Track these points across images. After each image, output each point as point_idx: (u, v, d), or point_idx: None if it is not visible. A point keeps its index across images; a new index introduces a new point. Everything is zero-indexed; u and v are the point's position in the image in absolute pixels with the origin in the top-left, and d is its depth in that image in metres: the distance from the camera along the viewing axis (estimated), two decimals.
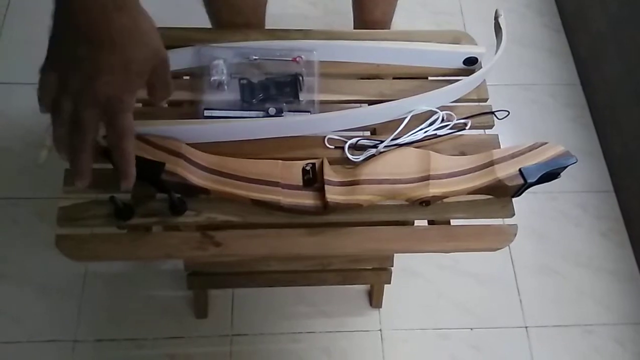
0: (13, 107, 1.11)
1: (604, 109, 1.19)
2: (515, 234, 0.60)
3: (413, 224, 0.64)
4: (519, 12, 1.35)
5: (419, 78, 0.70)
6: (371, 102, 0.68)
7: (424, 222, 0.63)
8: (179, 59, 0.66)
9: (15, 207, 1.02)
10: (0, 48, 1.19)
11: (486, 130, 0.68)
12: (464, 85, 0.67)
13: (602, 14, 1.19)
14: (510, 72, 1.25)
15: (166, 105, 0.67)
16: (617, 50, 1.13)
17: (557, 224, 1.09)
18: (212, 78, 0.65)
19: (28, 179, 1.04)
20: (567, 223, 1.09)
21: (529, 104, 1.22)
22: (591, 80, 1.23)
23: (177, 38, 0.68)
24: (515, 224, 0.61)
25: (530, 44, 1.30)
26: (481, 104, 0.69)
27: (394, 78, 0.71)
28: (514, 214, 0.61)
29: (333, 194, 0.57)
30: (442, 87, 0.66)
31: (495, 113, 0.68)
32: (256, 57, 0.67)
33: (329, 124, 0.65)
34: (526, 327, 0.99)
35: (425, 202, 0.59)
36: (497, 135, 0.66)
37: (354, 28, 0.91)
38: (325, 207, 0.57)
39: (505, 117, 0.67)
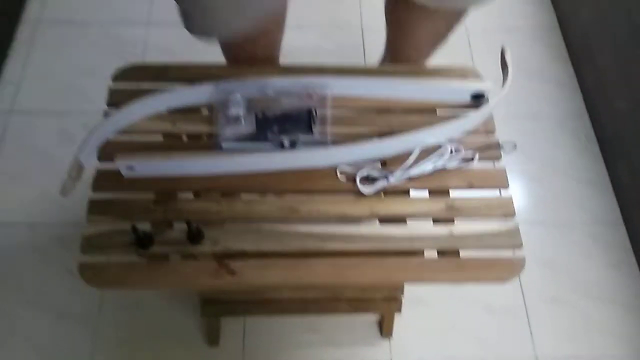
0: (36, 136, 1.15)
1: (612, 140, 1.20)
2: (523, 266, 0.61)
3: (423, 254, 0.66)
4: (525, 44, 1.38)
5: (428, 111, 0.73)
6: (382, 135, 0.70)
7: (434, 253, 0.64)
8: (199, 93, 0.70)
9: (35, 232, 1.04)
10: (26, 77, 1.24)
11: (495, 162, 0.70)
12: (471, 119, 0.69)
13: (608, 45, 1.21)
14: (518, 103, 1.27)
15: (186, 138, 0.70)
16: (624, 81, 1.15)
17: (568, 255, 1.09)
18: (230, 112, 0.68)
19: (47, 205, 1.06)
20: (578, 254, 1.09)
21: (537, 135, 1.24)
22: (599, 111, 1.25)
23: (198, 74, 0.72)
24: (523, 256, 0.62)
25: (538, 75, 1.33)
26: (489, 135, 0.72)
27: (404, 111, 0.73)
28: (521, 244, 0.63)
29: None
30: (450, 120, 0.68)
31: (503, 146, 0.70)
32: (272, 92, 0.70)
33: (341, 156, 0.67)
34: (536, 358, 0.98)
35: None
36: (505, 170, 0.67)
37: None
38: None
39: (512, 150, 0.69)
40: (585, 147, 1.23)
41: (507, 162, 0.69)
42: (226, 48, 0.80)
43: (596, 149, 1.23)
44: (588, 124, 1.26)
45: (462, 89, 0.71)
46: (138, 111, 0.67)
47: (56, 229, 1.04)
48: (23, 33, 1.31)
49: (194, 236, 0.60)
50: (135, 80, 0.72)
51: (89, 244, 0.59)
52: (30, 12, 1.35)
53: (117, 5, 1.37)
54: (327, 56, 1.31)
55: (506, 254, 0.63)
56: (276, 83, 0.70)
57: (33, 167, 1.11)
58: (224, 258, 0.60)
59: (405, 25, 0.81)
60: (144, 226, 0.60)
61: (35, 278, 1.00)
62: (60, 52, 1.28)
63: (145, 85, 0.71)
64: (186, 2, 0.65)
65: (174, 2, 0.66)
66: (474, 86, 0.72)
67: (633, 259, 1.09)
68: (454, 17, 0.77)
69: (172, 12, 1.41)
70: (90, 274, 0.57)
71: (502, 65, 0.73)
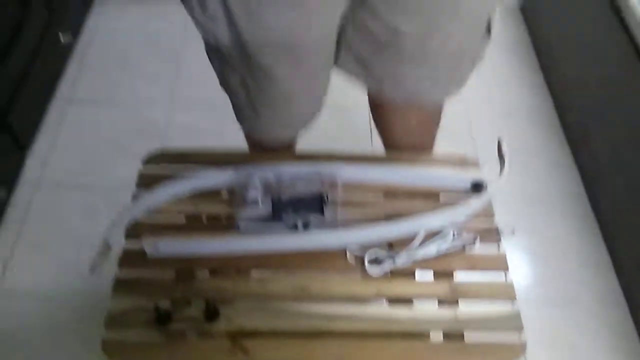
0: (60, 208, 1.21)
1: (610, 220, 1.24)
2: (524, 350, 0.63)
3: (429, 336, 0.68)
4: (523, 127, 1.46)
5: (431, 196, 0.78)
6: (388, 217, 0.75)
7: (439, 334, 0.67)
8: (221, 176, 0.76)
9: (51, 303, 1.07)
10: (54, 153, 1.32)
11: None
12: (471, 206, 0.74)
13: (602, 128, 1.28)
14: (518, 184, 1.32)
15: (206, 219, 0.75)
16: (619, 162, 1.21)
17: (572, 335, 1.09)
18: (248, 194, 0.73)
19: (65, 277, 1.10)
20: (581, 335, 1.09)
21: (537, 215, 1.28)
22: (596, 192, 1.30)
23: (219, 159, 0.79)
24: (525, 340, 0.64)
25: (536, 156, 1.39)
26: (488, 219, 0.76)
27: (409, 196, 0.78)
28: (522, 327, 0.65)
29: None
30: (452, 205, 0.73)
31: (502, 231, 0.74)
32: (287, 177, 0.76)
33: (350, 238, 0.72)
34: None
35: None
36: (505, 254, 0.72)
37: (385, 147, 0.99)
38: None
39: (511, 235, 0.74)
40: (584, 227, 1.27)
41: (509, 241, 0.73)
42: (255, 144, 0.87)
43: (596, 228, 1.26)
44: (587, 203, 1.31)
45: (462, 178, 0.77)
46: (164, 194, 0.73)
47: (72, 301, 1.07)
48: (54, 110, 1.41)
49: (211, 314, 0.63)
50: (163, 163, 0.78)
51: (113, 321, 0.62)
52: (62, 91, 1.46)
53: (141, 86, 1.48)
54: (336, 137, 1.39)
55: (509, 337, 0.65)
56: (291, 169, 0.76)
57: (54, 239, 1.16)
58: (238, 337, 0.63)
59: (384, 120, 0.89)
60: (164, 303, 0.64)
61: (49, 350, 1.02)
62: (87, 129, 1.37)
63: (171, 168, 0.77)
64: (244, 109, 0.74)
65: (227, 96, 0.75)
66: (473, 175, 0.77)
67: (636, 340, 1.09)
68: (427, 114, 0.85)
69: (193, 94, 1.51)
70: (113, 350, 0.60)
71: (499, 155, 0.79)
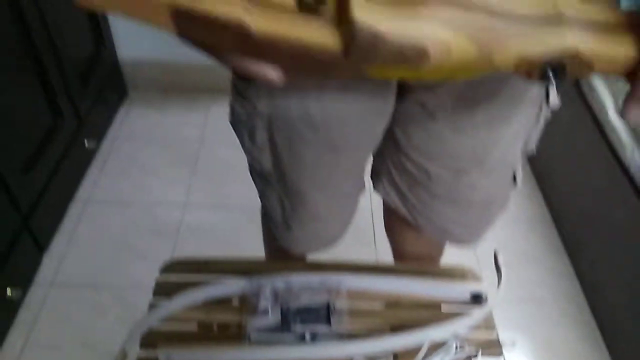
0: (72, 308, 1.23)
1: (610, 324, 1.24)
2: None
3: None
4: (521, 235, 1.51)
5: (433, 307, 0.81)
6: (393, 328, 0.78)
7: None
8: (234, 286, 0.80)
9: None
10: (69, 252, 1.37)
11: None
12: (472, 317, 0.77)
13: (597, 236, 1.33)
14: (519, 290, 1.35)
15: (216, 327, 0.78)
16: (616, 270, 1.24)
17: None
18: (259, 303, 0.77)
19: None
20: None
21: (539, 321, 1.29)
22: (596, 298, 1.32)
23: (234, 267, 0.83)
24: None
25: (536, 263, 1.43)
26: (489, 331, 0.79)
27: (412, 306, 0.82)
28: None
29: (365, 13, 0.29)
30: (454, 317, 0.77)
31: (503, 343, 0.77)
32: (296, 287, 0.80)
33: (356, 350, 0.74)
34: None
35: (556, 67, 0.31)
36: None
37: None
38: (347, 43, 0.29)
39: (512, 346, 0.76)
40: (586, 334, 1.27)
41: (511, 352, 0.75)
42: (273, 247, 0.93)
43: (597, 334, 1.27)
44: (587, 310, 1.32)
45: (463, 289, 0.81)
46: (179, 303, 0.76)
47: None
48: (72, 211, 1.49)
49: None
50: (179, 272, 0.83)
51: None
52: (82, 193, 1.54)
53: (158, 189, 1.57)
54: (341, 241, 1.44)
55: None
56: (300, 279, 0.81)
57: (64, 339, 1.17)
58: None
59: (398, 232, 0.95)
60: None
61: None
62: (103, 230, 1.44)
63: (187, 277, 0.82)
64: (278, 223, 0.81)
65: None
66: (473, 286, 0.82)
67: None
68: (439, 245, 0.92)
69: (207, 197, 1.59)
70: None
71: (495, 267, 0.84)
